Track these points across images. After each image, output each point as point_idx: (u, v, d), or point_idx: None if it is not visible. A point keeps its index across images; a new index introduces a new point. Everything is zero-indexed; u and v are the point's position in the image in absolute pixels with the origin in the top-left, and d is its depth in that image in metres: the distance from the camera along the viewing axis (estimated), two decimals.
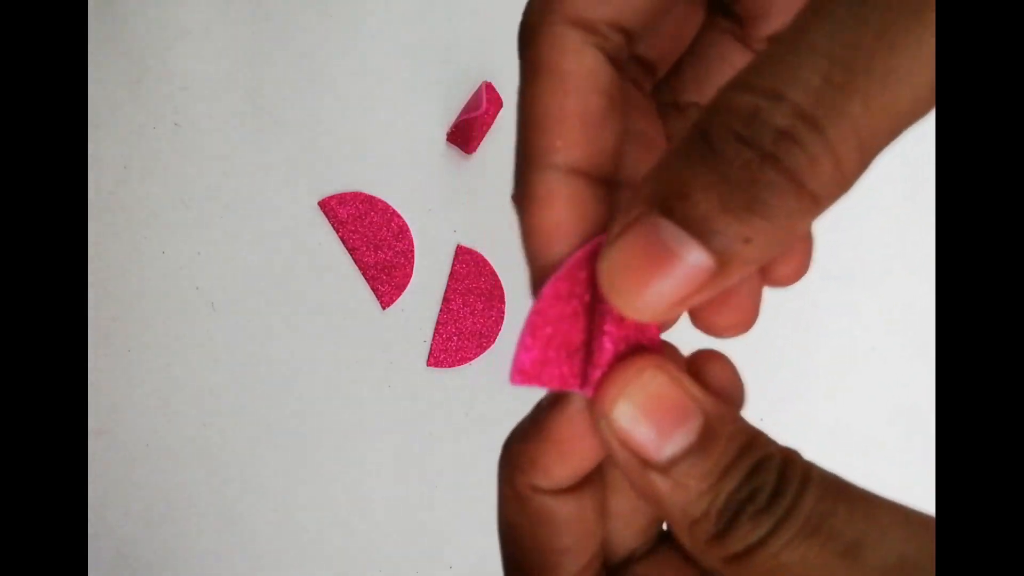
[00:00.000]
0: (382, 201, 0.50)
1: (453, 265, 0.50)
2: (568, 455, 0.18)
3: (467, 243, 0.50)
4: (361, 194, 0.49)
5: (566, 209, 0.17)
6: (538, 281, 0.18)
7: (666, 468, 0.15)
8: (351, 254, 0.49)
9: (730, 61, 0.21)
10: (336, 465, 0.48)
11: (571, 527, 0.19)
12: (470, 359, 0.49)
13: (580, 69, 0.17)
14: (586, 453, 0.18)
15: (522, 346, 0.17)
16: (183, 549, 0.47)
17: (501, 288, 0.50)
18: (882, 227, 0.51)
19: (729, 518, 0.15)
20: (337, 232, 0.49)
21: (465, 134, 0.50)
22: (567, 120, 0.17)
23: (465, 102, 0.50)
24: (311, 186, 0.49)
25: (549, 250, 0.17)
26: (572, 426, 0.18)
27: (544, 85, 0.18)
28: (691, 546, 0.16)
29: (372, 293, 0.49)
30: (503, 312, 0.50)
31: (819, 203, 0.14)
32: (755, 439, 0.16)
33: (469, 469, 0.49)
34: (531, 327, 0.17)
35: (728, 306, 0.18)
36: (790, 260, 0.18)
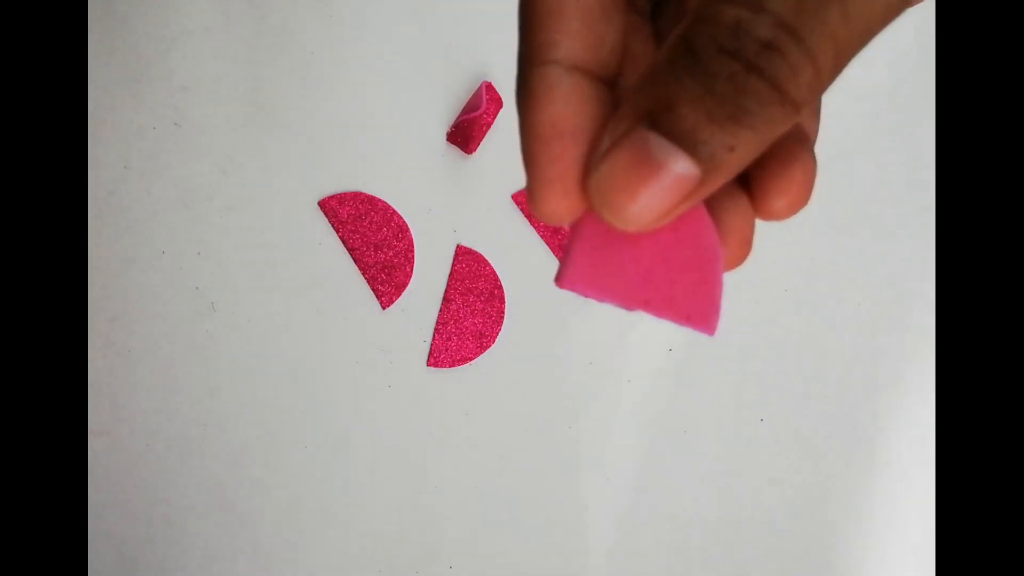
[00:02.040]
0: (382, 201, 0.50)
1: (453, 265, 0.50)
2: None
3: (467, 243, 0.50)
4: (361, 194, 0.49)
5: (567, 105, 0.17)
6: (534, 184, 0.17)
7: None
8: (351, 254, 0.49)
9: None
10: (336, 465, 0.48)
11: None
12: (470, 359, 0.49)
13: None
14: None
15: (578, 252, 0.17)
16: (183, 549, 0.47)
17: (501, 288, 0.50)
18: (882, 226, 0.51)
19: None
20: (337, 232, 0.49)
21: (465, 134, 0.50)
22: (566, 12, 0.17)
23: (465, 102, 0.50)
24: (311, 186, 0.49)
25: (548, 148, 0.17)
26: None
27: None
28: None
29: (372, 293, 0.49)
30: (503, 312, 0.50)
31: (799, 108, 0.14)
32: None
33: (469, 469, 0.49)
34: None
35: (783, 187, 0.18)
36: (789, 190, 0.18)
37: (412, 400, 0.49)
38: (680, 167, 0.15)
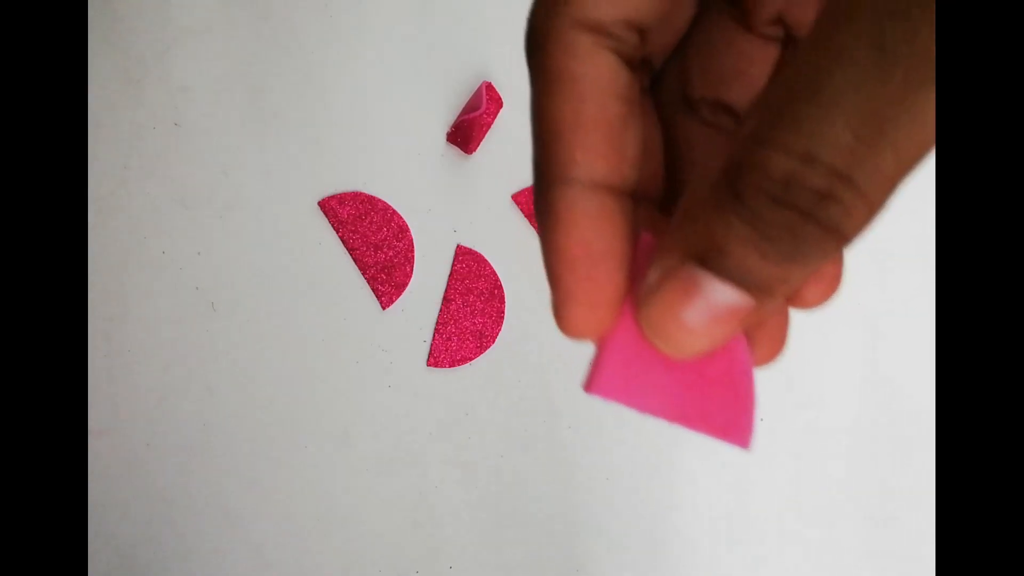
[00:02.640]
0: (382, 201, 0.50)
1: (453, 265, 0.50)
2: None
3: (467, 243, 0.50)
4: (361, 194, 0.49)
5: (593, 227, 0.17)
6: (562, 304, 0.17)
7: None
8: (351, 254, 0.49)
9: (736, 47, 0.20)
10: (336, 465, 0.48)
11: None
12: (470, 359, 0.49)
13: (596, 74, 0.17)
14: None
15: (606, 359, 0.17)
16: (183, 549, 0.47)
17: (501, 288, 0.50)
18: (881, 227, 0.51)
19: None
20: (337, 232, 0.49)
21: (465, 134, 0.50)
22: (586, 130, 0.17)
23: (465, 102, 0.50)
24: (311, 186, 0.49)
25: (577, 271, 0.17)
26: None
27: (559, 94, 0.17)
28: None
29: (372, 293, 0.49)
30: (503, 312, 0.50)
31: (851, 241, 0.14)
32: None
33: (469, 469, 0.49)
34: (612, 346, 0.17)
35: (816, 277, 0.18)
36: (821, 281, 0.18)
37: (412, 400, 0.49)
38: (733, 300, 0.15)
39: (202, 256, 0.49)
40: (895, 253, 0.51)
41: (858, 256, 0.51)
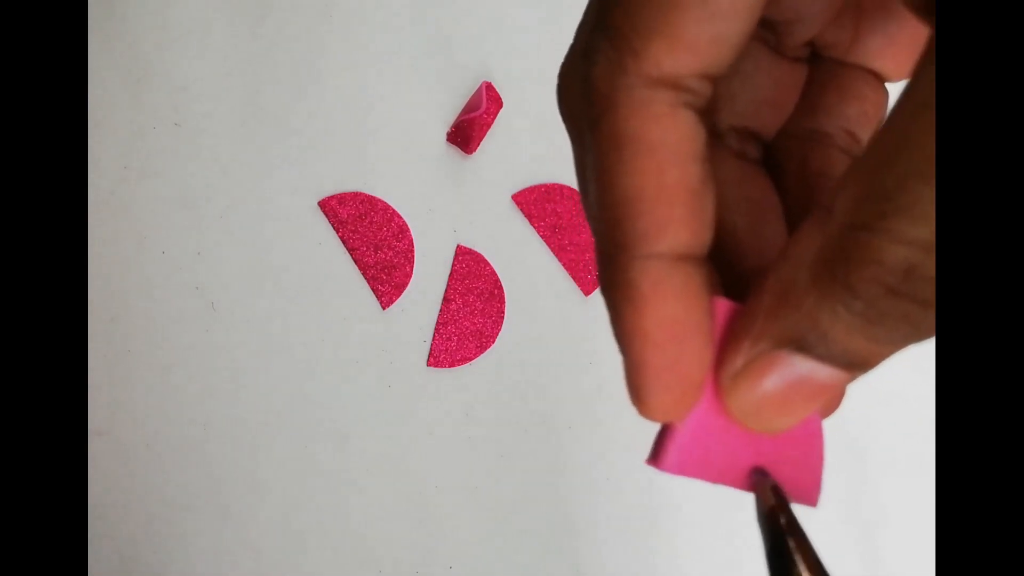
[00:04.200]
0: (382, 201, 0.50)
1: (453, 265, 0.50)
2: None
3: (467, 243, 0.50)
4: (361, 194, 0.49)
5: (680, 304, 0.15)
6: (646, 389, 0.15)
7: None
8: (351, 254, 0.49)
9: (764, 73, 0.19)
10: (336, 465, 0.48)
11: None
12: (470, 359, 0.49)
13: (677, 138, 0.15)
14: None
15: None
16: (183, 549, 0.47)
17: (501, 288, 0.50)
18: None
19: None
20: (337, 232, 0.49)
21: (465, 134, 0.50)
22: (669, 200, 0.15)
23: (465, 102, 0.50)
24: (311, 186, 0.49)
25: (663, 352, 0.15)
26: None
27: (635, 163, 0.15)
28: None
29: (372, 293, 0.49)
30: (503, 312, 0.50)
31: None
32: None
33: (469, 469, 0.49)
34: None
35: None
36: None
37: (412, 400, 0.49)
38: (831, 379, 0.14)
39: (202, 256, 0.49)
40: None
41: None
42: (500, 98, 0.50)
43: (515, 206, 0.50)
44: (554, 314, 0.50)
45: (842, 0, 0.18)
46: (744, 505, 0.53)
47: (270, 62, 0.50)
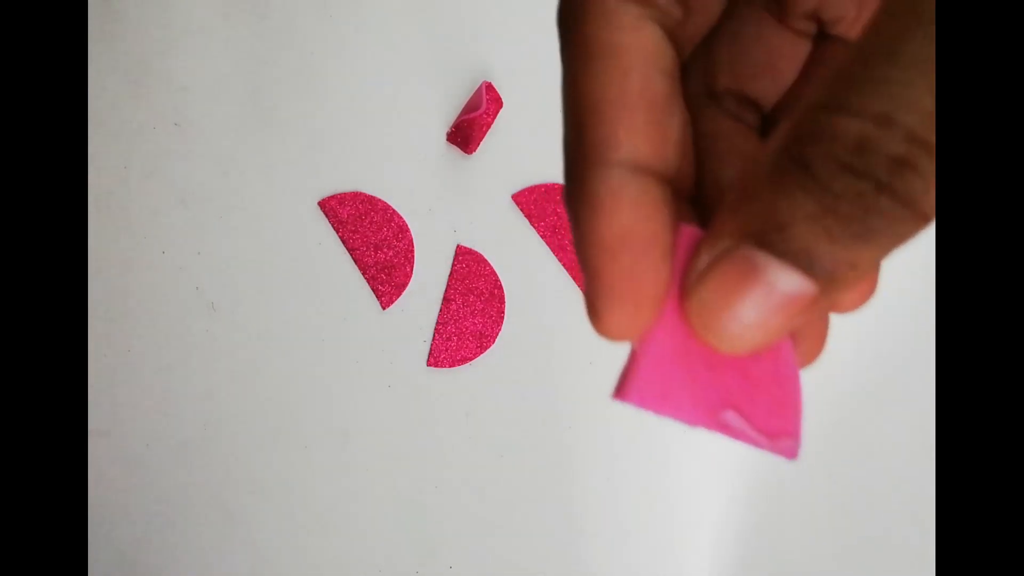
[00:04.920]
0: (382, 201, 0.50)
1: (453, 265, 0.50)
2: None
3: (467, 243, 0.50)
4: (361, 194, 0.49)
5: (637, 213, 0.15)
6: (600, 301, 0.15)
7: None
8: (351, 254, 0.49)
9: (766, 40, 0.19)
10: (336, 465, 0.48)
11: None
12: (470, 359, 0.49)
13: (641, 46, 0.15)
14: None
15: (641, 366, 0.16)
16: (183, 549, 0.47)
17: (501, 288, 0.50)
18: None
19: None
20: (337, 232, 0.49)
21: (465, 134, 0.50)
22: (630, 107, 0.15)
23: (465, 102, 0.50)
24: (311, 186, 0.49)
25: (618, 262, 0.15)
26: None
27: (600, 67, 0.15)
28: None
29: (372, 293, 0.49)
30: (503, 312, 0.50)
31: (929, 220, 0.13)
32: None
33: (469, 469, 0.49)
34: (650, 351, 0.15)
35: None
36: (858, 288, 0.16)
37: (412, 400, 0.49)
38: (793, 285, 0.13)
39: (202, 256, 0.49)
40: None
41: None
42: (500, 98, 0.50)
43: (515, 206, 0.50)
44: (554, 314, 0.50)
45: None
46: (745, 505, 0.53)
47: (270, 62, 0.50)
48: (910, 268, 0.51)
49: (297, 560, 0.48)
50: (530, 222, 0.50)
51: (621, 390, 0.16)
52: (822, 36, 0.19)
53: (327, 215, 0.49)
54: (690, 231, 0.15)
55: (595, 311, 0.15)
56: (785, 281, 0.13)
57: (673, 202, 0.16)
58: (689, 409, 0.16)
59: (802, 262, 0.13)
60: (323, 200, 0.49)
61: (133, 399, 0.47)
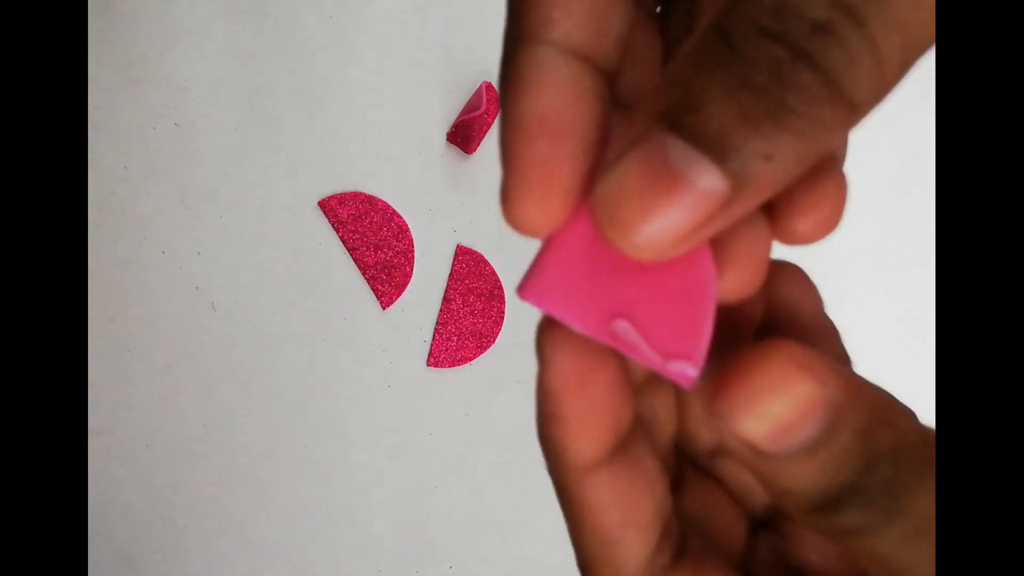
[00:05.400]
0: (382, 201, 0.50)
1: (453, 265, 0.50)
2: (587, 431, 0.15)
3: (467, 243, 0.50)
4: (361, 194, 0.49)
5: (561, 94, 0.14)
6: (513, 186, 0.14)
7: (782, 460, 0.14)
8: (351, 254, 0.49)
9: None
10: (336, 465, 0.48)
11: (619, 502, 0.16)
12: (470, 359, 0.49)
13: None
14: (609, 424, 0.15)
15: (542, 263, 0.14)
16: (183, 549, 0.47)
17: (501, 288, 0.50)
18: (880, 225, 0.51)
19: (837, 500, 0.13)
20: (337, 232, 0.49)
21: (465, 134, 0.50)
22: None
23: (465, 102, 0.50)
24: (311, 186, 0.49)
25: (534, 146, 0.14)
26: (583, 396, 0.15)
27: None
28: (792, 510, 0.14)
29: (372, 293, 0.49)
30: (503, 312, 0.50)
31: (855, 111, 0.12)
32: (874, 421, 0.14)
33: (469, 469, 0.49)
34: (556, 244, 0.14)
35: (809, 203, 0.15)
36: (816, 209, 0.15)
37: (412, 400, 0.49)
38: (705, 181, 0.12)
39: (202, 256, 0.49)
40: (894, 254, 0.51)
41: (857, 255, 0.51)
42: None
43: None
44: None
45: None
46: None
47: (270, 62, 0.50)
48: (910, 270, 0.51)
49: (297, 560, 0.48)
50: None
51: (522, 287, 0.15)
52: None
53: (327, 215, 0.49)
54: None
55: (506, 199, 0.14)
56: (695, 172, 0.12)
57: (606, 94, 0.14)
58: (582, 315, 0.15)
59: (714, 149, 0.12)
60: (323, 200, 0.49)
61: (133, 399, 0.47)
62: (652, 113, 0.12)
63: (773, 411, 0.13)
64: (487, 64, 0.51)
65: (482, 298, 0.50)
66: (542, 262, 0.15)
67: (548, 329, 0.15)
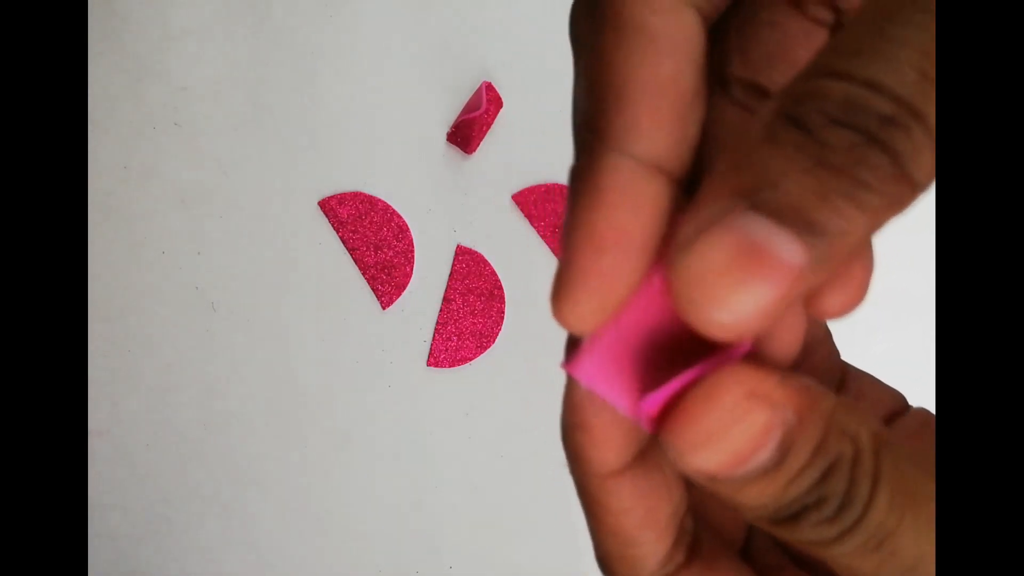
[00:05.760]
0: (382, 201, 0.50)
1: (453, 265, 0.50)
2: (605, 444, 0.17)
3: (467, 243, 0.50)
4: (361, 194, 0.50)
5: (640, 213, 0.14)
6: (569, 287, 0.14)
7: (737, 484, 0.14)
8: (351, 254, 0.49)
9: (781, 27, 0.18)
10: (336, 465, 0.48)
11: (638, 505, 0.17)
12: (470, 359, 0.49)
13: (677, 33, 0.14)
14: (623, 441, 0.17)
15: (587, 344, 0.15)
16: (183, 549, 0.47)
17: (501, 288, 0.50)
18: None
19: (794, 515, 0.14)
20: (337, 232, 0.49)
21: (465, 134, 0.50)
22: (659, 95, 0.14)
23: (465, 102, 0.50)
24: (311, 186, 0.49)
25: (603, 258, 0.14)
26: (601, 419, 0.16)
27: (633, 47, 0.14)
28: (755, 521, 0.15)
29: (372, 293, 0.49)
30: (503, 312, 0.50)
31: (915, 193, 0.13)
32: (827, 435, 0.14)
33: (469, 469, 0.49)
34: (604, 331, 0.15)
35: (840, 283, 0.15)
36: (846, 287, 0.16)
37: (412, 400, 0.49)
38: (788, 254, 0.12)
39: (202, 256, 0.49)
40: (893, 258, 0.51)
41: None
42: (500, 98, 0.50)
43: (515, 206, 0.50)
44: None
45: None
46: None
47: (270, 62, 0.50)
48: (910, 271, 0.51)
49: (297, 560, 0.48)
50: (530, 222, 0.50)
51: (571, 364, 0.15)
52: (839, 26, 0.19)
53: (327, 215, 0.49)
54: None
55: (559, 296, 0.15)
56: (779, 245, 0.12)
57: (674, 205, 0.15)
58: (620, 396, 0.15)
59: (795, 222, 0.12)
60: (323, 200, 0.49)
61: (133, 399, 0.47)
62: (729, 191, 0.13)
63: (725, 447, 0.14)
64: (487, 64, 0.51)
65: (482, 298, 0.50)
66: (590, 343, 0.15)
67: (574, 346, 0.16)
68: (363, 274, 0.49)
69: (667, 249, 0.14)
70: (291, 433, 0.48)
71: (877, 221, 0.13)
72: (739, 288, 0.13)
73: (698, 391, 0.14)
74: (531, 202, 0.50)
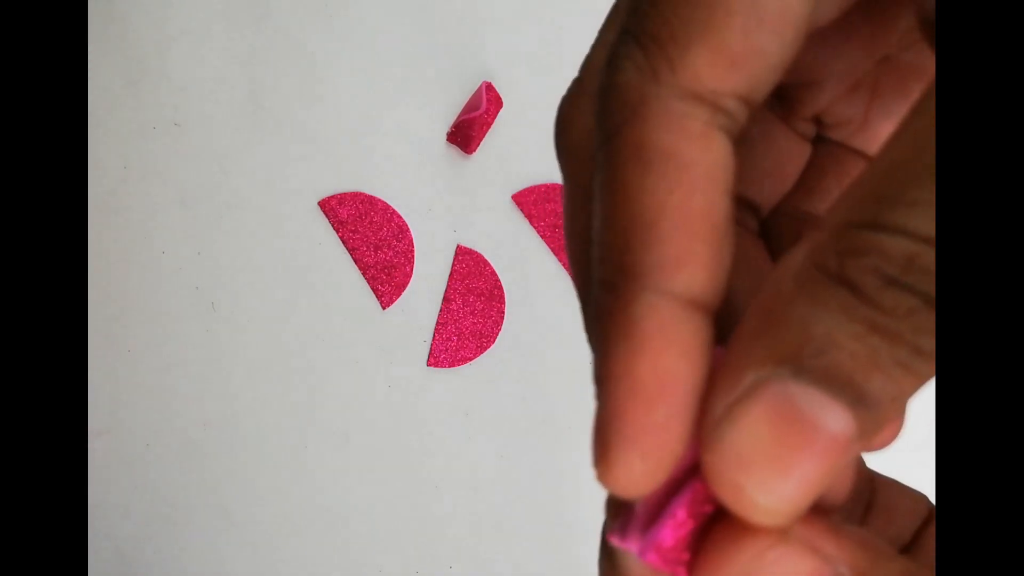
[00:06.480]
0: (382, 201, 0.50)
1: (453, 265, 0.50)
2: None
3: (467, 243, 0.50)
4: (361, 194, 0.50)
5: (684, 357, 0.12)
6: (614, 449, 0.12)
7: None
8: (351, 254, 0.49)
9: (773, 143, 0.18)
10: (336, 465, 0.48)
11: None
12: (470, 359, 0.49)
13: (709, 160, 0.13)
14: None
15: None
16: (183, 549, 0.47)
17: (501, 288, 0.50)
18: None
19: None
20: (337, 232, 0.49)
21: (465, 134, 0.50)
22: (694, 229, 0.13)
23: (465, 102, 0.50)
24: (311, 186, 0.49)
25: (651, 411, 0.12)
26: None
27: (661, 178, 0.13)
28: None
29: (372, 293, 0.49)
30: (503, 312, 0.50)
31: None
32: None
33: (469, 469, 0.49)
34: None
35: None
36: (889, 430, 0.15)
37: (412, 400, 0.49)
38: (836, 424, 0.11)
39: (202, 256, 0.49)
40: None
41: None
42: (500, 98, 0.50)
43: (515, 206, 0.50)
44: (554, 314, 0.50)
45: (860, 71, 0.17)
46: None
47: (270, 62, 0.50)
48: None
49: (297, 560, 0.48)
50: (530, 222, 0.50)
51: (623, 534, 0.14)
52: (820, 139, 0.18)
53: (327, 215, 0.49)
54: (720, 353, 0.13)
55: (607, 457, 0.13)
56: (828, 417, 0.11)
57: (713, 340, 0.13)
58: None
59: (847, 393, 0.11)
60: (323, 200, 0.49)
61: (133, 399, 0.47)
62: (766, 355, 0.12)
63: None
64: (487, 64, 0.51)
65: (482, 298, 0.50)
66: (638, 512, 0.14)
67: None
68: (363, 274, 0.49)
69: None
70: (291, 433, 0.48)
71: (925, 383, 0.12)
72: (786, 467, 0.11)
73: (725, 529, 0.12)
74: (531, 202, 0.50)
